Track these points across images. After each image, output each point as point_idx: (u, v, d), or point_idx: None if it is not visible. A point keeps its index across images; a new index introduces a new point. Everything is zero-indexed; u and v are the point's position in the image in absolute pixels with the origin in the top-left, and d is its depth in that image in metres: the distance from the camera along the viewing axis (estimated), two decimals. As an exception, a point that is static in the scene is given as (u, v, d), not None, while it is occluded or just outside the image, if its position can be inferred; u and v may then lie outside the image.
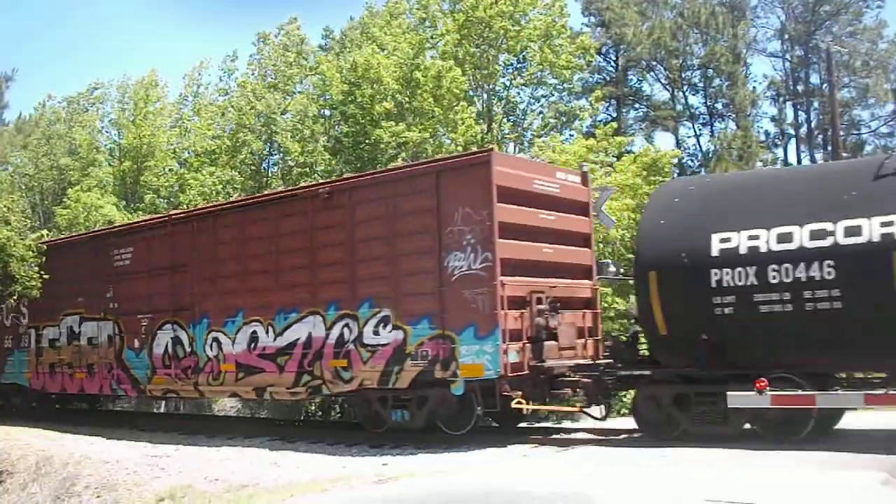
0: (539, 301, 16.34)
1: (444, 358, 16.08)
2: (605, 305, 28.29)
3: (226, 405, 33.61)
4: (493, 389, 15.85)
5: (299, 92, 40.79)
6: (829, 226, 12.78)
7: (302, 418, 24.95)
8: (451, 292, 16.00)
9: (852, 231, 12.62)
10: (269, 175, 39.98)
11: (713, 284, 13.51)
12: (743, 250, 13.36)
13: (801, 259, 12.87)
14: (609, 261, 23.46)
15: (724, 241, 13.56)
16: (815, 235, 12.85)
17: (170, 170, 45.82)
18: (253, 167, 39.38)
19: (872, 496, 9.10)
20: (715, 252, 13.57)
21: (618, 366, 15.53)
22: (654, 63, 46.53)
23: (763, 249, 13.21)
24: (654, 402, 14.61)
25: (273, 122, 38.03)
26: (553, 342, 16.36)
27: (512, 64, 35.30)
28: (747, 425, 13.81)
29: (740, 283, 13.32)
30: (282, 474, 14.08)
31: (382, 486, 11.81)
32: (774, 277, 13.06)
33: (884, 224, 12.42)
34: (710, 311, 13.57)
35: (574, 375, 16.01)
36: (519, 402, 15.68)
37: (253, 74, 41.95)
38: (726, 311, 13.47)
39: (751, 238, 13.34)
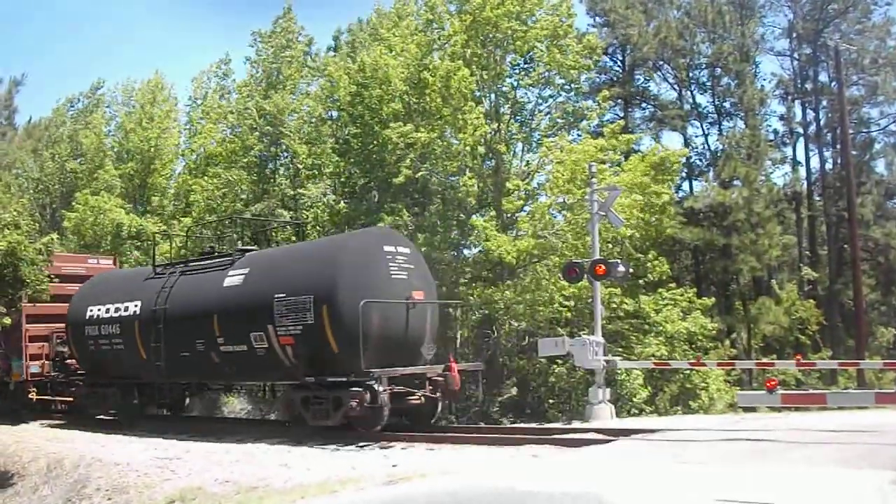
0: (58, 337, 26.53)
1: (6, 369, 26.98)
2: (615, 305, 28.42)
3: (235, 407, 33.64)
4: (42, 386, 26.97)
5: (304, 93, 40.66)
6: (120, 305, 23.55)
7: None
8: (7, 334, 25.69)
9: (126, 308, 23.35)
10: (277, 177, 39.93)
11: (87, 334, 24.42)
12: (95, 316, 24.16)
13: (110, 322, 23.70)
14: (618, 261, 23.52)
15: (90, 310, 24.41)
16: (116, 310, 23.63)
17: (176, 172, 45.95)
18: (257, 169, 39.31)
19: (884, 495, 9.07)
20: (87, 316, 24.42)
21: (59, 375, 26.55)
22: (661, 62, 46.28)
23: (102, 316, 23.97)
24: (93, 398, 25.00)
25: (281, 124, 37.97)
26: (73, 360, 26.11)
27: (519, 64, 35.24)
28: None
29: (94, 334, 24.17)
30: (292, 476, 14.07)
31: (392, 487, 11.81)
32: (105, 331, 23.81)
33: (135, 305, 23.08)
34: (88, 349, 24.61)
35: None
36: (32, 395, 26.59)
37: (256, 73, 41.75)
38: (92, 348, 24.44)
39: (98, 310, 24.18)
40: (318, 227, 37.07)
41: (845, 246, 41.71)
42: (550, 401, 30.14)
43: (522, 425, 24.91)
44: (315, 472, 14.20)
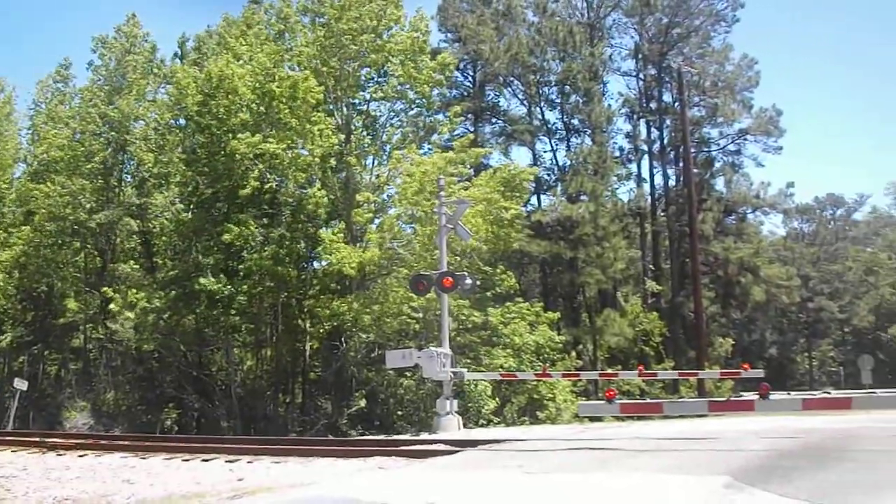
0: None
1: None
2: (463, 318, 28.68)
3: (78, 422, 32.68)
4: None
5: (150, 100, 39.74)
6: None
7: (157, 433, 24.57)
8: None
9: None
10: (123, 185, 38.91)
11: None
12: None
13: None
14: (465, 273, 23.78)
15: None
16: None
17: (14, 179, 44.39)
18: (101, 177, 38.21)
19: (717, 499, 9.39)
20: None
21: None
22: (512, 78, 47.18)
23: None
24: None
25: (126, 130, 37.01)
26: None
27: (373, 78, 35.27)
28: None
29: None
30: (135, 492, 13.71)
31: (238, 502, 11.66)
32: None
33: None
34: None
35: None
36: None
37: (98, 80, 40.53)
38: None
39: None
40: (164, 237, 36.31)
41: (687, 260, 43.23)
42: (399, 412, 30.24)
43: (371, 437, 24.94)
44: (159, 487, 13.89)
